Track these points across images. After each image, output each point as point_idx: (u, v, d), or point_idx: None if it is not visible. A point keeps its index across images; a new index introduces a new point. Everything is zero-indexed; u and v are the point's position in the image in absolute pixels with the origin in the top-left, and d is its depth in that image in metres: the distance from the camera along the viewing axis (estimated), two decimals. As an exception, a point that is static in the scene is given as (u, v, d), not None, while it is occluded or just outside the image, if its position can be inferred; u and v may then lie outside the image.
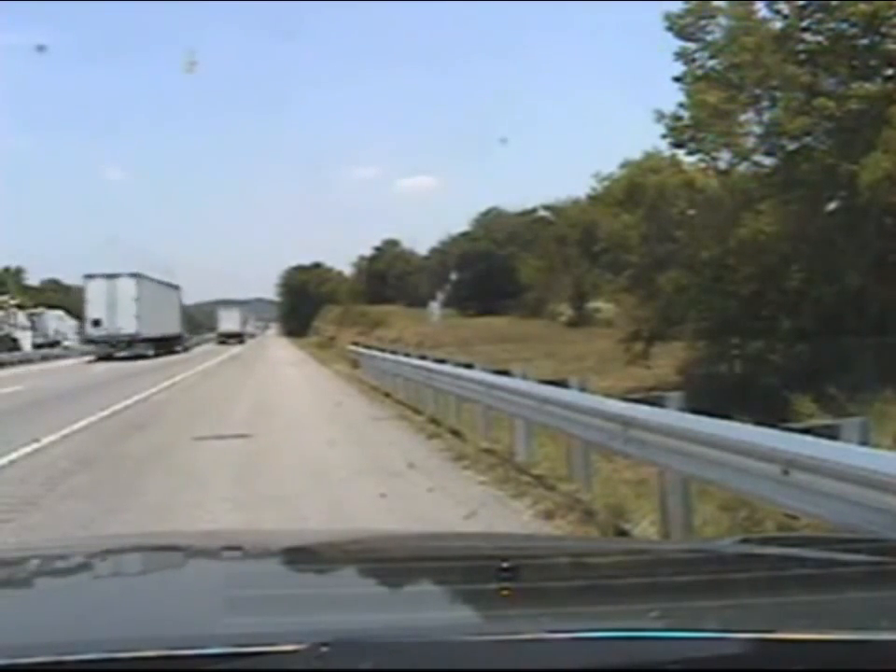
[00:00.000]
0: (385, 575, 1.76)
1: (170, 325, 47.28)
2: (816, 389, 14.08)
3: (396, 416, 13.93)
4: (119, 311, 40.32)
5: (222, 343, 60.53)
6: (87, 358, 35.79)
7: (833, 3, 18.48)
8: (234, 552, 2.06)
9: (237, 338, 66.47)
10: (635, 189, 22.59)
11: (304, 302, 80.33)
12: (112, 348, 39.09)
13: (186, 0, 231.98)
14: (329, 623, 1.28)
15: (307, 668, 1.07)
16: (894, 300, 17.18)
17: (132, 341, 39.98)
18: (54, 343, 51.56)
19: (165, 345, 43.30)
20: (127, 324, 40.17)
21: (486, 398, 9.87)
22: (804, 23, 19.05)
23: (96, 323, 40.93)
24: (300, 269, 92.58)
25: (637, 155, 24.08)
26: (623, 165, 24.53)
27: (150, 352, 40.11)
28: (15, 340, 46.67)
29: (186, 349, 47.20)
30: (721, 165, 20.88)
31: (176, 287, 52.82)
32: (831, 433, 4.05)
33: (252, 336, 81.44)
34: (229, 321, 70.77)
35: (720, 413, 5.13)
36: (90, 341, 42.02)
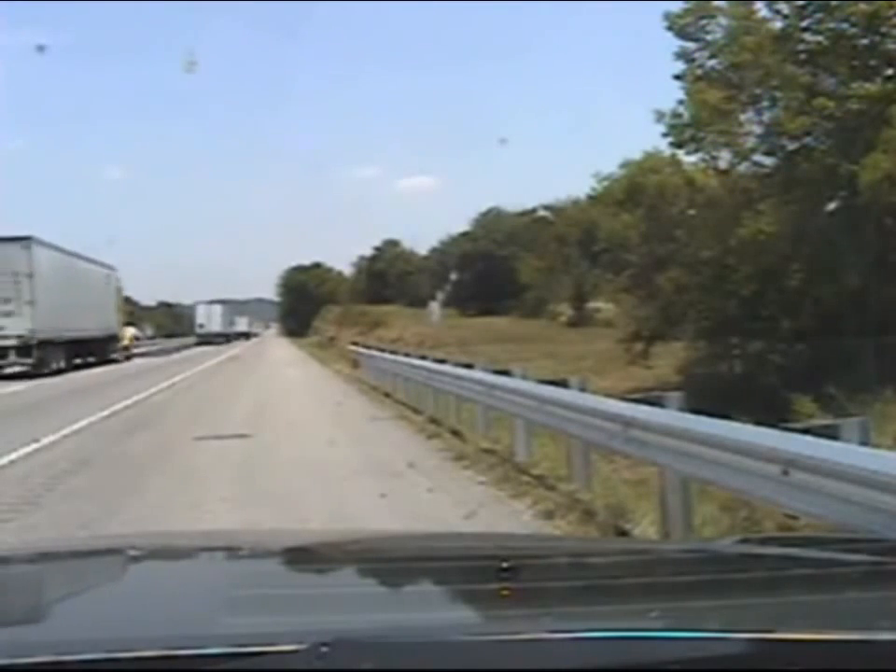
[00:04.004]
0: (385, 575, 1.76)
1: (228, 327, 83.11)
2: (816, 389, 14.08)
3: (396, 416, 13.92)
4: (212, 321, 78.61)
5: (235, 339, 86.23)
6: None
7: (833, 3, 18.49)
8: (234, 552, 2.06)
9: (245, 336, 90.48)
10: (635, 189, 22.59)
11: (304, 302, 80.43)
12: (207, 338, 70.46)
13: (186, 0, 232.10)
14: (329, 622, 1.27)
15: (307, 668, 1.07)
16: (894, 300, 17.18)
17: (217, 335, 73.45)
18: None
19: (227, 339, 74.39)
20: (217, 327, 77.77)
21: (486, 398, 9.86)
22: (804, 23, 19.06)
23: (201, 326, 77.37)
24: (300, 269, 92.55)
25: (637, 155, 24.09)
26: (623, 165, 24.53)
27: (223, 340, 71.13)
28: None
29: (230, 341, 74.93)
30: (721, 165, 20.89)
31: (230, 304, 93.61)
32: (831, 433, 4.05)
33: (256, 335, 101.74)
34: (239, 325, 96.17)
35: (720, 412, 5.13)
36: (197, 335, 74.51)
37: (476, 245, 59.72)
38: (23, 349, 26.12)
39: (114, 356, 35.49)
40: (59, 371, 27.09)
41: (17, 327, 26.05)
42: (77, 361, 29.88)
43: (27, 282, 26.42)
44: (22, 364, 26.22)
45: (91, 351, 31.96)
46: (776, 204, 19.80)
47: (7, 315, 26.11)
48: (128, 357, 37.77)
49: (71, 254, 31.59)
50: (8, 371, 25.82)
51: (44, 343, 26.69)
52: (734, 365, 21.47)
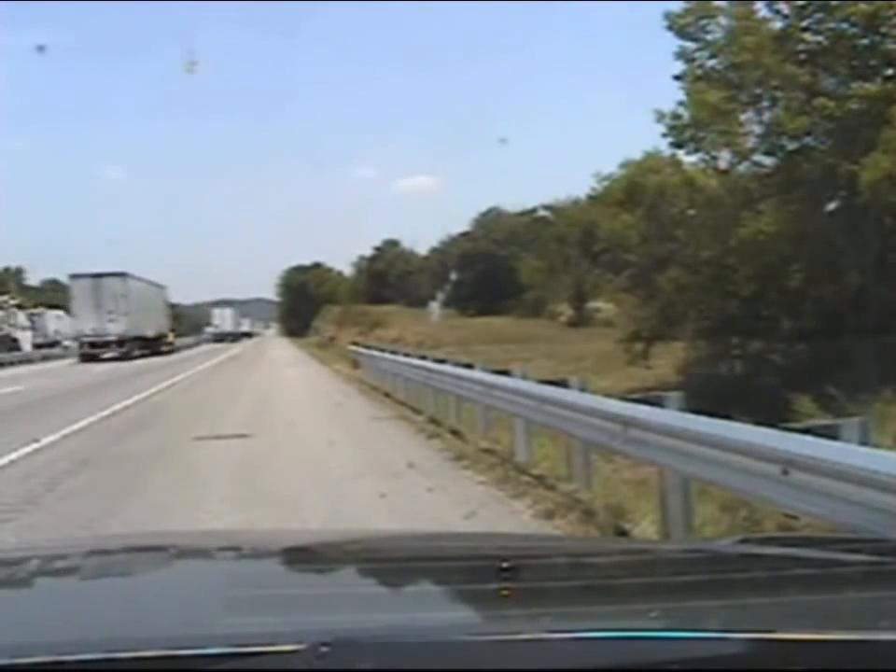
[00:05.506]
0: (384, 575, 1.76)
1: (236, 328, 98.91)
2: (816, 389, 14.06)
3: (396, 416, 13.91)
4: (225, 322, 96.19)
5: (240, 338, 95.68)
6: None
7: (833, 3, 18.48)
8: (234, 552, 2.06)
9: (248, 336, 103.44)
10: (635, 189, 22.59)
11: (304, 302, 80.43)
12: (220, 336, 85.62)
13: (186, 0, 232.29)
14: (328, 623, 1.27)
15: (307, 668, 1.07)
16: (894, 300, 17.18)
17: (228, 334, 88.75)
18: (54, 343, 51.57)
19: (235, 337, 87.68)
20: (227, 326, 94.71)
21: (486, 398, 9.86)
22: (804, 23, 19.05)
23: (216, 326, 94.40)
24: (300, 269, 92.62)
25: (637, 155, 24.09)
26: (623, 165, 24.54)
27: (232, 338, 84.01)
28: (15, 340, 46.91)
29: (238, 339, 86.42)
30: (721, 165, 20.89)
31: (233, 306, 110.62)
32: (831, 433, 4.04)
33: (258, 335, 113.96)
34: (244, 325, 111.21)
35: (720, 412, 5.13)
36: (212, 334, 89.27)
37: (476, 245, 59.76)
38: (120, 343, 41.22)
39: (163, 349, 47.95)
40: (133, 359, 39.29)
41: (116, 329, 41.27)
42: (131, 353, 41.53)
43: (123, 300, 41.93)
44: (118, 352, 40.38)
45: (149, 346, 44.41)
46: (776, 204, 19.79)
47: (111, 321, 41.28)
48: (170, 352, 49.20)
49: (143, 279, 46.94)
50: (107, 356, 39.67)
51: (131, 340, 41.68)
52: (734, 365, 21.47)
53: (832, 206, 19.73)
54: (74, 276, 43.45)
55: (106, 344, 40.94)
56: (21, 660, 1.08)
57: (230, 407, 15.85)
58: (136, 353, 41.38)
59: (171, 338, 53.18)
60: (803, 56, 19.05)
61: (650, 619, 1.27)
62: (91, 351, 40.51)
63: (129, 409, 15.86)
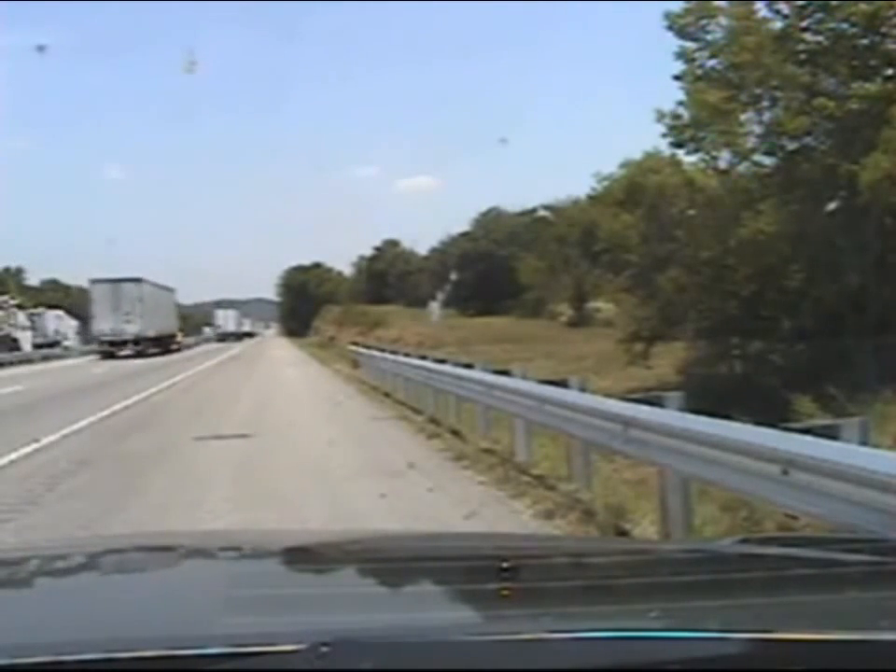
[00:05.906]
0: (385, 575, 1.76)
1: (238, 328, 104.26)
2: (816, 389, 14.06)
3: (396, 416, 13.92)
4: (228, 322, 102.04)
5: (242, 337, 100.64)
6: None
7: (833, 3, 18.48)
8: (234, 552, 2.06)
9: (249, 336, 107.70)
10: (635, 189, 22.58)
11: (304, 302, 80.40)
12: (224, 336, 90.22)
13: (186, 0, 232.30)
14: (328, 623, 1.27)
15: (307, 668, 1.07)
16: (894, 300, 17.18)
17: (231, 334, 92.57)
18: (54, 343, 51.71)
19: (238, 337, 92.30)
20: (230, 326, 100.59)
21: (486, 398, 9.86)
22: (804, 23, 19.04)
23: (219, 327, 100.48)
24: (300, 269, 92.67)
25: (637, 155, 24.09)
26: (623, 165, 24.54)
27: (234, 338, 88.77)
28: (15, 340, 47.02)
29: (241, 339, 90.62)
30: (721, 165, 20.88)
31: (234, 306, 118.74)
32: (831, 433, 4.04)
33: (258, 335, 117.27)
34: (245, 326, 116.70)
35: (720, 412, 5.13)
36: (217, 334, 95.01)
37: (476, 245, 59.71)
38: (135, 342, 45.42)
39: (172, 347, 51.32)
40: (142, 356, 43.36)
41: (132, 329, 45.70)
42: (145, 351, 45.49)
43: (139, 303, 46.39)
44: (133, 350, 44.48)
45: (160, 344, 47.92)
46: (776, 204, 19.79)
47: (128, 322, 45.74)
48: (178, 350, 52.32)
49: (155, 284, 51.25)
50: (123, 353, 43.72)
51: (145, 339, 45.94)
52: (734, 365, 21.47)
53: (832, 206, 19.73)
54: (94, 281, 47.85)
55: (123, 343, 45.36)
56: (21, 660, 1.08)
57: (230, 407, 15.85)
58: (149, 351, 45.15)
59: (179, 337, 57.14)
60: (803, 56, 19.04)
61: (650, 619, 1.27)
62: (110, 349, 44.76)
63: (129, 409, 15.86)
